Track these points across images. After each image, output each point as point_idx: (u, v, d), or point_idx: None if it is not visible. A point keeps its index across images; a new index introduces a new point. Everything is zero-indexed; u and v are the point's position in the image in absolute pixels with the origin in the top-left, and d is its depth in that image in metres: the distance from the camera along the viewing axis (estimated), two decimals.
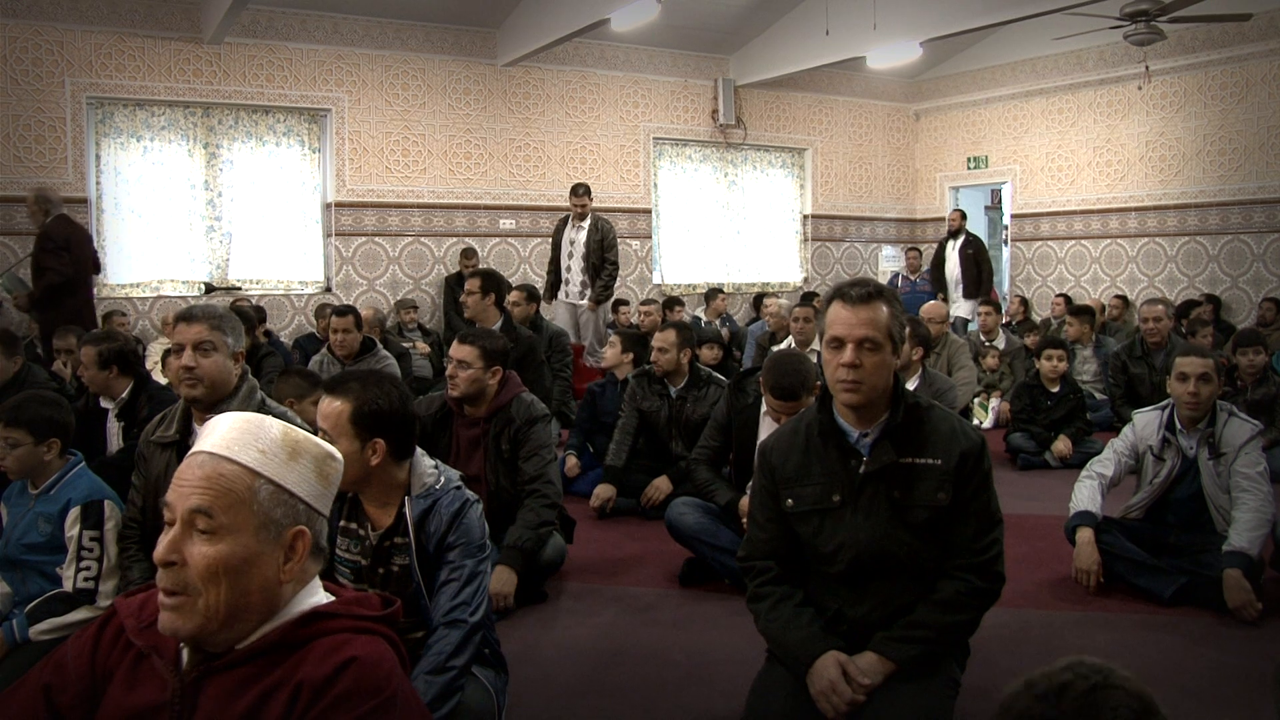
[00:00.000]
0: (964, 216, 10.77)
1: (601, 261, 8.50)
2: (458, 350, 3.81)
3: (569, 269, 8.63)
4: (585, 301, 8.61)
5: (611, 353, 5.91)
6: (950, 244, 10.62)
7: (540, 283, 8.89)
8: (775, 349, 6.39)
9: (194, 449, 1.46)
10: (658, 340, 5.15)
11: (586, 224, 8.54)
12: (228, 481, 1.39)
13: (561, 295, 8.70)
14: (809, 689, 2.26)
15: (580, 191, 8.58)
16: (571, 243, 8.59)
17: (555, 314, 8.62)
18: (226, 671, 1.41)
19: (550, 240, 8.94)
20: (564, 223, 8.70)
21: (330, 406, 2.42)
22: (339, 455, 1.54)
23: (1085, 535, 3.79)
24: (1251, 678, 3.02)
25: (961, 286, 10.46)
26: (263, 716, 1.37)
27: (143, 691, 1.43)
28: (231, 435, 1.44)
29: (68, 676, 1.48)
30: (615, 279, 8.76)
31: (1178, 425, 3.83)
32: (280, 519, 1.42)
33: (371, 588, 2.41)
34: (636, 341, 5.99)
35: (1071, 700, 1.07)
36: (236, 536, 1.38)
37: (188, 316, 2.92)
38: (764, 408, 3.89)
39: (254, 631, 1.43)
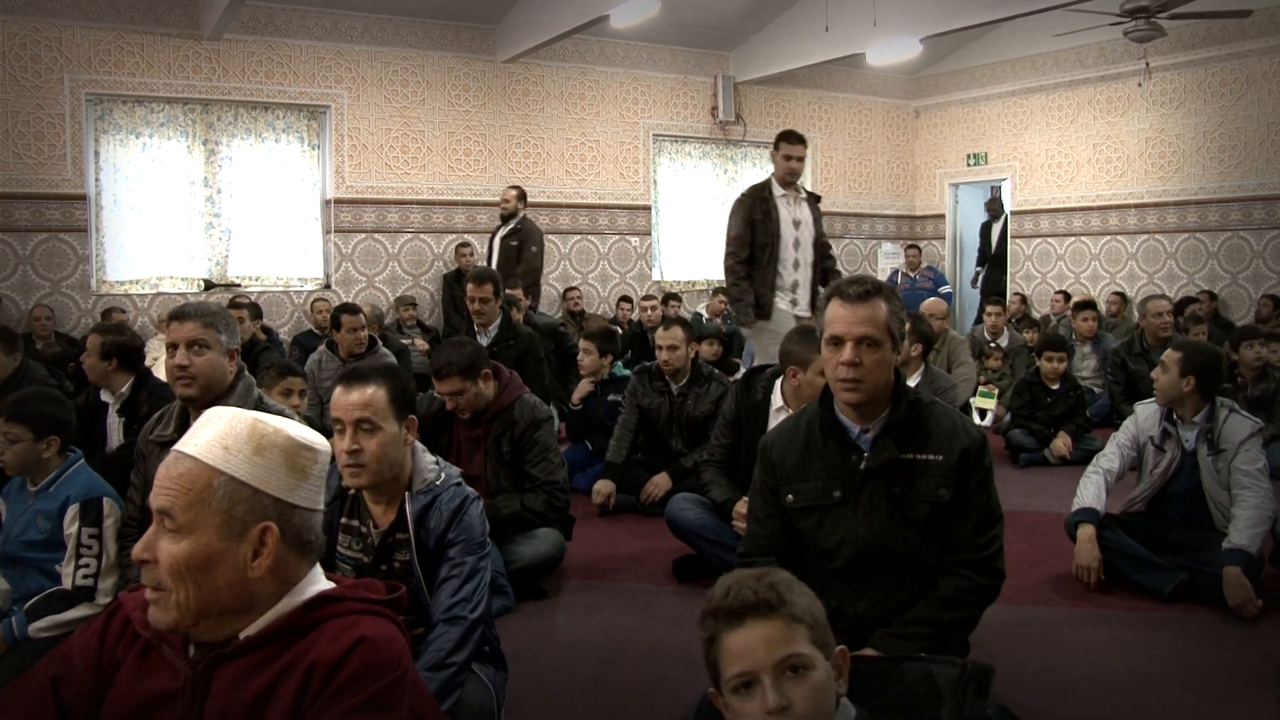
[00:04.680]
0: (521, 197, 8.29)
1: (824, 248, 6.05)
2: (441, 386, 3.80)
3: (796, 265, 5.83)
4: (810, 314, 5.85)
5: (590, 360, 5.76)
6: (500, 231, 8.36)
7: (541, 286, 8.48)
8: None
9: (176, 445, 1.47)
10: (666, 339, 5.09)
11: (804, 196, 5.98)
12: (187, 480, 1.40)
13: (784, 304, 5.83)
14: None
15: (794, 140, 5.85)
16: (796, 224, 5.84)
17: (777, 327, 5.58)
18: (237, 657, 1.42)
19: (747, 222, 5.81)
20: (761, 196, 5.82)
21: (367, 394, 2.41)
22: (317, 445, 1.51)
23: (1086, 532, 3.80)
24: (1251, 674, 3.02)
25: None
26: (275, 699, 1.39)
27: (153, 680, 1.45)
28: (203, 433, 1.45)
29: (75, 668, 1.50)
30: None
31: (1176, 417, 3.86)
32: (243, 516, 1.41)
33: None
34: (609, 339, 5.92)
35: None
36: (198, 535, 1.39)
37: (180, 315, 2.90)
38: (774, 405, 3.88)
39: (243, 623, 1.44)
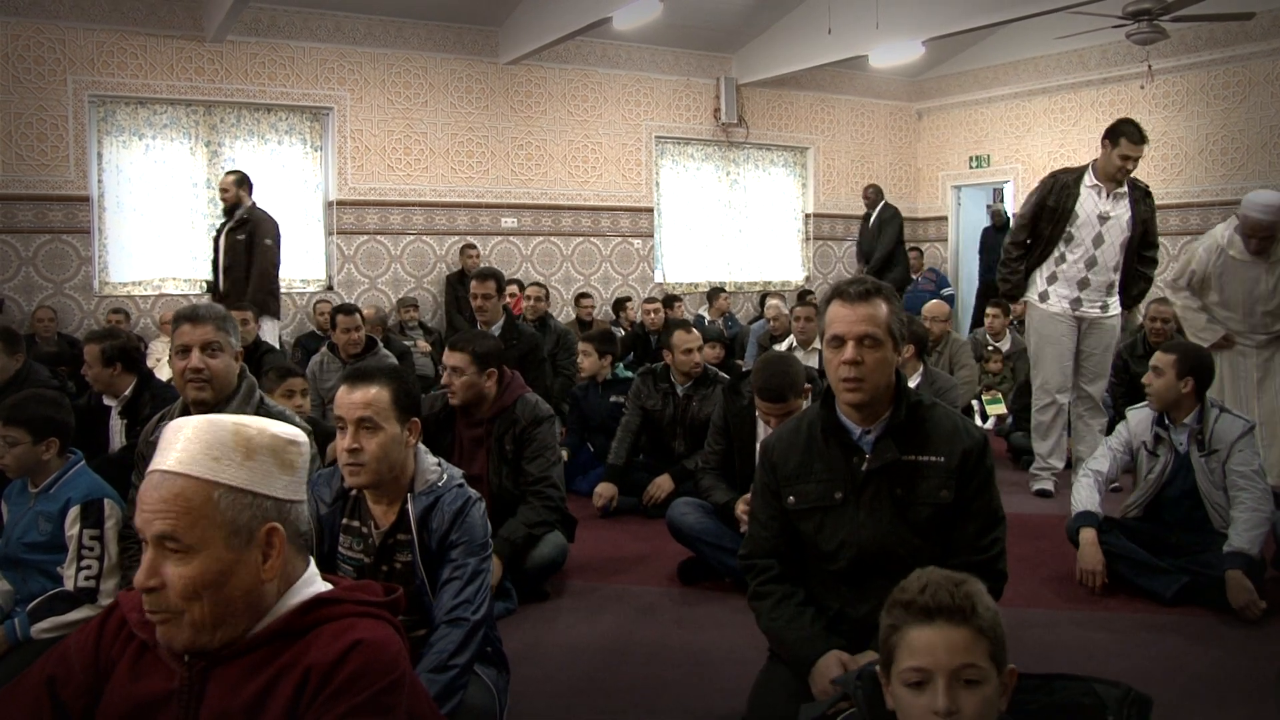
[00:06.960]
0: (242, 183, 6.87)
1: (1144, 246, 5.34)
2: (450, 357, 3.81)
3: (1090, 263, 5.18)
4: (1112, 314, 5.36)
5: (590, 362, 5.79)
6: (224, 227, 7.01)
7: (558, 289, 8.49)
8: (776, 349, 6.38)
9: (151, 466, 1.44)
10: (685, 341, 5.07)
11: (1126, 191, 5.19)
12: (186, 500, 1.38)
13: (1058, 304, 5.28)
14: (811, 689, 2.26)
15: (1136, 139, 5.06)
16: (1103, 219, 5.15)
17: (1042, 327, 5.39)
18: (233, 660, 1.42)
19: (1037, 206, 5.30)
20: (1065, 183, 5.22)
21: (370, 394, 2.43)
22: (299, 437, 1.50)
23: (1088, 536, 3.80)
24: (1253, 677, 3.02)
25: (223, 288, 6.84)
26: (271, 701, 1.38)
27: (149, 682, 1.45)
28: (185, 448, 1.42)
29: (71, 668, 1.50)
30: None
31: (1168, 420, 3.85)
32: (248, 522, 1.40)
33: None
34: (607, 340, 5.94)
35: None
36: (208, 552, 1.37)
37: (193, 317, 2.87)
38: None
39: (251, 626, 1.44)
